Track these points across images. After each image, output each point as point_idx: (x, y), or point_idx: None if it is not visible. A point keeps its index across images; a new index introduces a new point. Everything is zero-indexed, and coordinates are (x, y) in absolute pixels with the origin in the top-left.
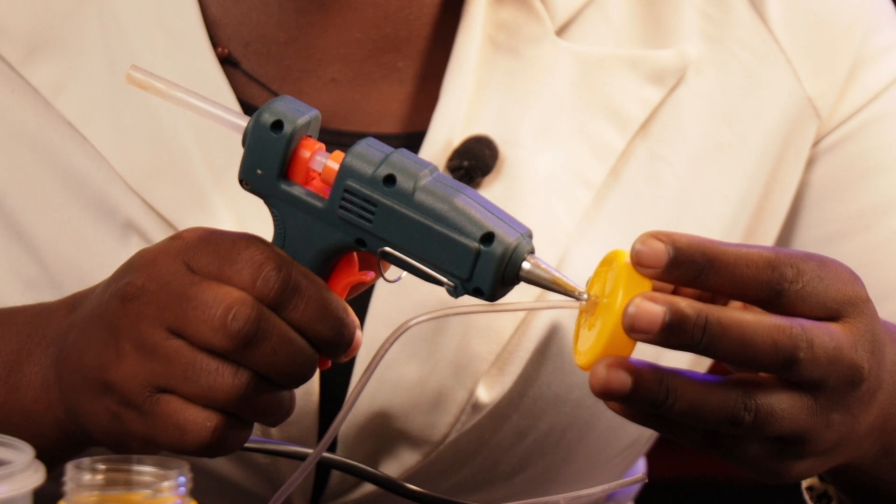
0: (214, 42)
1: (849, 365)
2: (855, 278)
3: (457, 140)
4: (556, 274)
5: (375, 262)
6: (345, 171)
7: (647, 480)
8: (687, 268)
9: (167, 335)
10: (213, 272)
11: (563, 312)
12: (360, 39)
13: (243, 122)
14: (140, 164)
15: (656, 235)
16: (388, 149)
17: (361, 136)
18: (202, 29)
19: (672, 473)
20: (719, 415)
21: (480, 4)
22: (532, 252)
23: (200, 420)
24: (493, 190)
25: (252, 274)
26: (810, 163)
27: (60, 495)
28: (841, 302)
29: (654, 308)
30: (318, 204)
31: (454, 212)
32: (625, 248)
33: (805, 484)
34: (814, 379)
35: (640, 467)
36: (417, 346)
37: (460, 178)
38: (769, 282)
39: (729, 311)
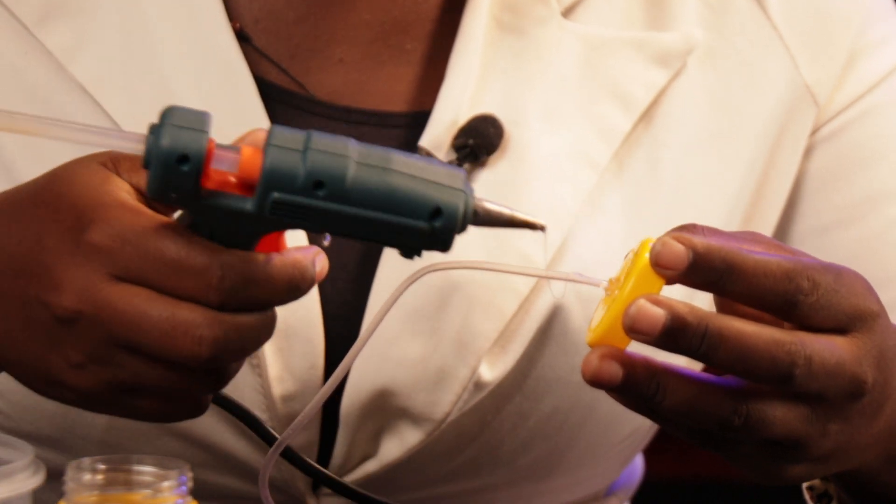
0: (227, 16)
1: (850, 378)
2: (868, 292)
3: (462, 119)
4: (507, 212)
5: None
6: (267, 185)
7: None
8: (706, 274)
9: (125, 351)
10: (151, 282)
11: (566, 292)
12: (369, 21)
13: (139, 144)
14: None
15: (678, 238)
16: (300, 139)
17: (370, 114)
18: (219, 1)
19: (671, 473)
20: (709, 417)
21: None
22: (476, 198)
23: (184, 404)
24: (498, 169)
25: (198, 285)
26: (809, 151)
27: (60, 495)
28: (851, 316)
29: (655, 311)
30: (246, 207)
31: (394, 195)
32: (649, 235)
33: (806, 483)
34: (811, 391)
35: (638, 465)
36: (420, 323)
37: (465, 157)
38: (785, 293)
39: (730, 320)
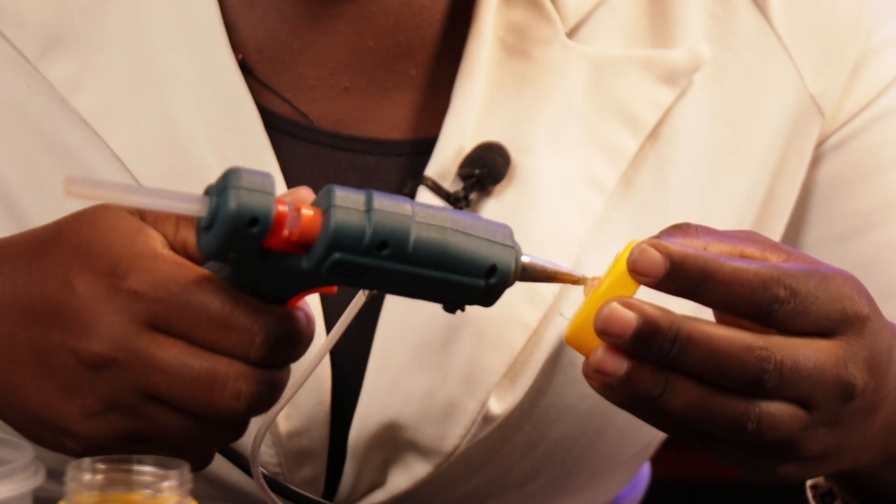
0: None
1: (835, 381)
2: (858, 295)
3: (468, 147)
4: (551, 267)
5: None
6: (331, 246)
7: None
8: (683, 282)
9: (150, 401)
10: (189, 335)
11: None
12: (373, 48)
13: (202, 207)
14: (156, 167)
15: (655, 245)
16: (361, 200)
17: (374, 142)
18: (223, 33)
19: (675, 473)
20: (721, 420)
21: (490, 8)
22: (522, 254)
23: (202, 460)
24: (505, 198)
25: (239, 342)
26: (818, 161)
27: (60, 495)
28: (836, 320)
29: (626, 314)
30: (301, 265)
31: (452, 256)
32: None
33: (809, 482)
34: (792, 395)
35: (645, 473)
36: (428, 357)
37: (471, 187)
38: (760, 302)
39: (701, 324)
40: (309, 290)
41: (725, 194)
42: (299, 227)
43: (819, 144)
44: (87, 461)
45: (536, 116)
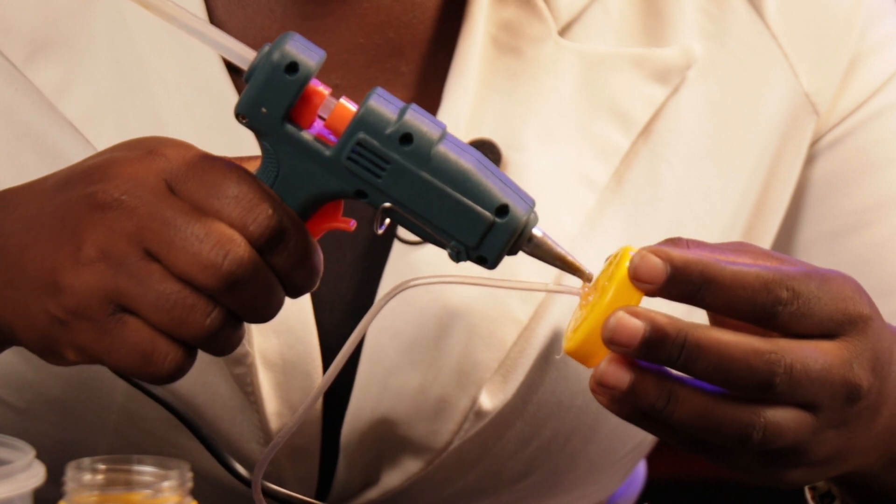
0: None
1: (842, 383)
2: (858, 295)
3: None
4: (561, 250)
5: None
6: (359, 123)
7: None
8: (684, 287)
9: (142, 255)
10: (198, 201)
11: (566, 318)
12: (363, 45)
13: (249, 56)
14: None
15: (655, 252)
16: (400, 103)
17: None
18: None
19: (672, 474)
20: (726, 430)
21: (482, 5)
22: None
23: (165, 351)
24: None
25: (242, 214)
26: (812, 159)
27: (60, 495)
28: (839, 321)
29: (634, 323)
30: (324, 151)
31: (470, 179)
32: (634, 246)
33: None
34: (801, 399)
35: (641, 472)
36: (419, 353)
37: None
38: (763, 304)
39: (709, 330)
40: (325, 200)
41: (720, 192)
42: (332, 112)
43: (814, 143)
44: (87, 461)
45: (528, 113)
